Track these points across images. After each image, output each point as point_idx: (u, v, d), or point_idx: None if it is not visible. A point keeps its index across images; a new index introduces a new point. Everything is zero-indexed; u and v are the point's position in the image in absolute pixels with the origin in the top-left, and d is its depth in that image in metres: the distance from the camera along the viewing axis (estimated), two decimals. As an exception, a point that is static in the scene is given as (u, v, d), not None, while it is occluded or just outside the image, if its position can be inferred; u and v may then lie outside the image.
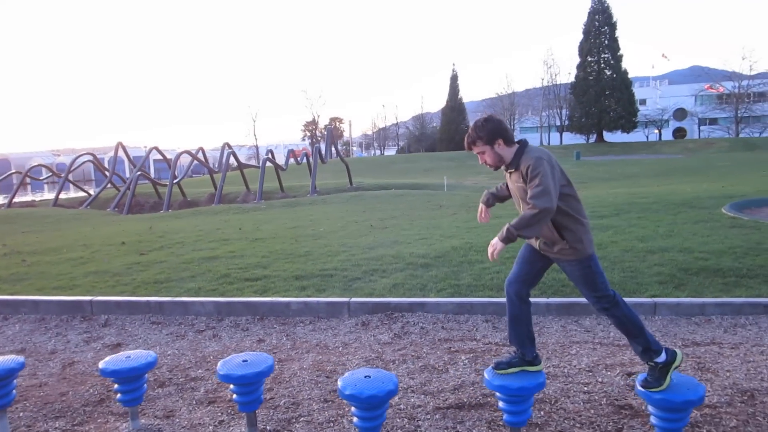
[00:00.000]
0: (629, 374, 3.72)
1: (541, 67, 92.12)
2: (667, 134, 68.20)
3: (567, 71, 64.74)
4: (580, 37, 56.72)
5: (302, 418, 3.26)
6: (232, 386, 2.99)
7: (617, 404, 3.32)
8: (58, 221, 17.41)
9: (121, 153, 24.65)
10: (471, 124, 3.14)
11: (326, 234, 9.67)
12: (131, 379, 3.08)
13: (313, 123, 76.15)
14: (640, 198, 12.61)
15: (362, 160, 50.25)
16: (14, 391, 3.18)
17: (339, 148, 30.99)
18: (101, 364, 3.11)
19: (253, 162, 47.07)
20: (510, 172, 3.07)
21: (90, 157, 25.33)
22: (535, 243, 3.15)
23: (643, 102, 64.87)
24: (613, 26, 55.57)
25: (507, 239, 2.87)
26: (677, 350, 2.99)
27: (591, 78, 55.50)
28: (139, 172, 20.88)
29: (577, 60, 57.00)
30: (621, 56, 55.43)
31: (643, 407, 3.26)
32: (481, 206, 3.42)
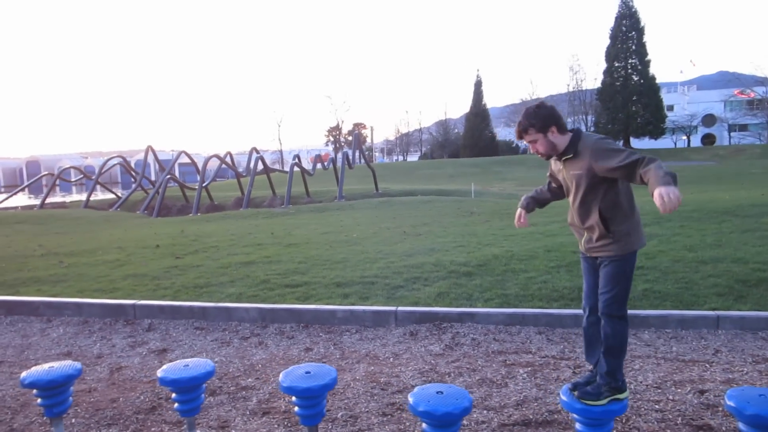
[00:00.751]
0: (702, 392, 3.53)
1: (566, 73, 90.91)
2: (696, 141, 66.91)
3: (593, 77, 64.03)
4: (607, 42, 55.92)
5: (363, 433, 3.15)
6: (294, 398, 2.89)
7: (694, 424, 3.14)
8: (89, 223, 17.64)
9: (141, 157, 24.94)
10: (521, 115, 2.98)
11: (360, 240, 9.58)
12: (190, 389, 3.00)
13: (337, 128, 76.43)
14: (679, 206, 12.27)
15: (386, 166, 50.20)
16: (71, 398, 3.12)
17: (365, 154, 30.95)
18: (160, 373, 3.03)
19: (277, 166, 47.31)
20: (565, 160, 2.94)
21: (120, 160, 25.68)
22: (582, 243, 3.05)
23: (670, 108, 63.71)
24: (640, 31, 54.68)
25: (670, 182, 2.37)
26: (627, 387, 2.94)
27: (618, 83, 54.63)
28: (168, 176, 21.07)
29: (603, 65, 56.17)
30: (649, 61, 54.49)
31: (723, 428, 3.08)
32: (520, 211, 3.30)
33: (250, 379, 4.00)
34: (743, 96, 64.10)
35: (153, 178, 27.09)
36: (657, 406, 3.37)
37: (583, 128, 64.78)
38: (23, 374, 3.02)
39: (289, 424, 3.29)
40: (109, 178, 49.38)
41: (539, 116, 2.89)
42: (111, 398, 3.78)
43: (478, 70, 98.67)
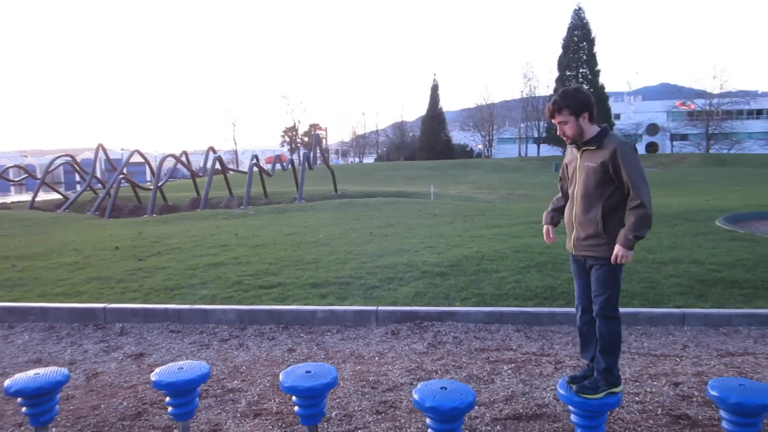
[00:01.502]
0: (676, 384, 3.72)
1: (520, 80, 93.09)
2: (641, 149, 69.74)
3: (545, 84, 65.77)
4: (560, 51, 57.70)
5: (359, 431, 3.16)
6: (294, 398, 2.88)
7: (673, 414, 3.31)
8: (37, 224, 16.86)
9: (90, 156, 24.01)
10: (557, 95, 3.01)
11: (328, 241, 9.55)
12: (186, 392, 2.94)
13: (293, 129, 75.71)
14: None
15: (343, 168, 50.06)
16: (57, 406, 3.00)
17: (325, 155, 30.81)
18: (154, 377, 2.96)
19: (231, 167, 46.44)
20: (584, 150, 3.00)
21: (68, 159, 24.65)
22: (571, 239, 3.12)
23: (617, 117, 66.28)
24: (591, 42, 56.66)
25: (631, 246, 2.84)
26: (621, 380, 3.07)
27: (568, 91, 56.46)
28: (121, 176, 20.38)
29: (556, 73, 57.92)
30: (598, 71, 56.54)
31: (699, 417, 3.26)
32: (547, 227, 3.37)
33: (236, 382, 3.95)
34: (684, 107, 67.30)
35: (99, 177, 26.08)
36: (637, 398, 3.53)
37: (536, 134, 66.44)
38: (7, 382, 2.89)
39: (283, 425, 3.27)
40: (52, 178, 47.30)
41: (576, 99, 2.93)
42: (91, 405, 3.65)
43: (434, 74, 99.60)
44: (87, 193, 25.12)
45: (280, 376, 2.93)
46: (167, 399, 2.99)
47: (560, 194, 3.34)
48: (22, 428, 3.36)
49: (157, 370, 3.05)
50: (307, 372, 2.93)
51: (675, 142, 67.89)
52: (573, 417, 2.85)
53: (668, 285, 5.78)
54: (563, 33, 58.74)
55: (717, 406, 2.82)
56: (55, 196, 28.21)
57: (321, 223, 12.87)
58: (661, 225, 10.01)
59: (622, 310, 4.96)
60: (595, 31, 57.81)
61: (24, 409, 2.88)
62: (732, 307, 5.13)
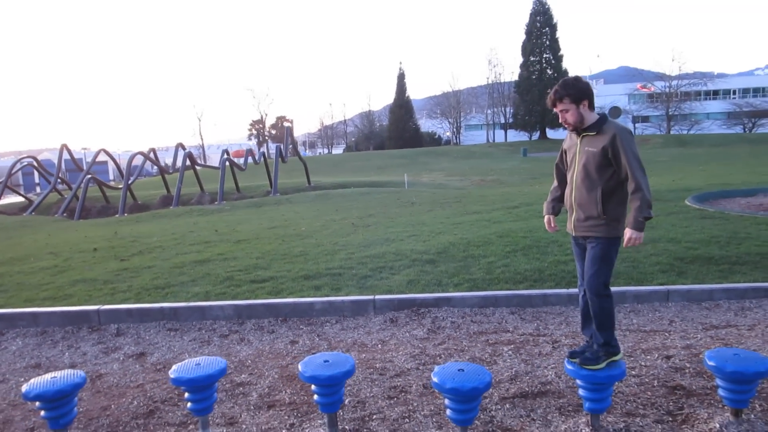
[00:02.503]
0: (668, 357, 3.91)
1: (486, 66, 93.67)
2: (604, 131, 71.13)
3: (510, 70, 66.53)
4: (523, 37, 58.39)
5: (375, 416, 3.26)
6: (314, 387, 2.95)
7: (669, 385, 3.49)
8: (4, 229, 16.36)
9: (49, 156, 23.37)
10: (558, 84, 3.15)
11: (311, 234, 9.58)
12: (205, 387, 2.99)
13: (261, 122, 74.83)
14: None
15: (313, 159, 49.75)
16: (76, 408, 3.01)
17: (297, 147, 30.60)
18: (172, 374, 2.99)
19: (199, 162, 45.69)
20: (584, 136, 3.14)
21: (31, 160, 23.91)
22: (571, 221, 3.25)
23: (581, 100, 67.42)
24: (553, 27, 57.51)
25: (641, 228, 2.99)
26: (621, 348, 3.28)
27: (534, 77, 57.25)
28: (88, 176, 19.91)
29: (520, 59, 58.64)
30: (561, 56, 57.47)
31: (693, 386, 3.45)
32: (548, 217, 3.50)
33: (243, 375, 3.99)
34: (645, 90, 68.93)
35: (63, 178, 25.37)
36: (633, 372, 3.70)
37: (502, 120, 67.03)
38: (25, 387, 2.88)
39: (299, 414, 3.34)
40: (11, 181, 45.72)
41: (577, 88, 3.08)
42: (101, 406, 3.65)
43: (400, 63, 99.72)
44: (51, 195, 24.45)
45: (299, 367, 3.00)
46: (187, 395, 3.02)
47: (556, 183, 3.48)
48: (34, 433, 3.35)
49: (174, 367, 3.08)
50: (325, 361, 3.00)
51: (637, 125, 69.56)
52: (581, 391, 3.00)
53: (650, 264, 6.02)
54: (526, 19, 59.51)
55: (714, 375, 2.99)
56: (16, 199, 27.36)
57: (300, 216, 12.86)
58: (634, 206, 10.34)
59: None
60: (557, 16, 58.65)
61: (43, 413, 2.88)
62: (711, 283, 5.39)
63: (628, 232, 3.02)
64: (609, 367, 3.00)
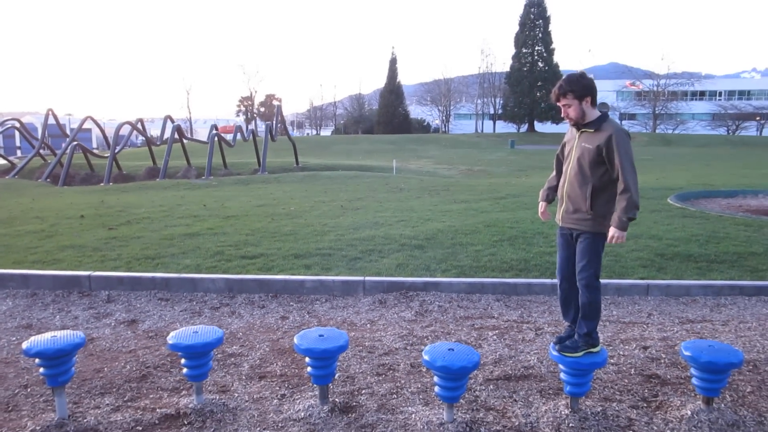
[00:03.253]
0: (645, 348, 4.09)
1: (477, 56, 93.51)
2: (592, 127, 71.74)
3: (502, 61, 66.54)
4: (516, 28, 58.40)
5: (364, 391, 3.38)
6: (308, 359, 3.06)
7: (645, 374, 3.66)
8: (-15, 191, 16.16)
9: (32, 120, 22.98)
10: (562, 80, 3.23)
11: (300, 214, 9.64)
12: (201, 354, 3.07)
13: (250, 99, 74.08)
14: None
15: (302, 140, 49.48)
16: (73, 368, 3.08)
17: (287, 127, 30.40)
18: (171, 339, 3.07)
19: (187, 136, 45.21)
20: (583, 131, 3.24)
21: (15, 123, 23.50)
22: (560, 212, 3.36)
23: (570, 95, 67.75)
24: (547, 20, 57.60)
25: (625, 227, 3.09)
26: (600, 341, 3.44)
27: (525, 69, 57.40)
28: (74, 142, 19.65)
29: (512, 50, 58.71)
30: (553, 50, 57.64)
31: (668, 376, 3.63)
32: (542, 204, 3.59)
33: (235, 347, 4.09)
34: (633, 87, 69.53)
35: (47, 143, 24.92)
36: (612, 361, 3.87)
37: (492, 110, 67.10)
38: (26, 344, 2.94)
39: (290, 386, 3.45)
40: (-7, 143, 44.82)
41: (581, 84, 3.17)
42: (94, 369, 3.73)
43: (393, 48, 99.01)
44: (34, 160, 24.08)
45: (295, 339, 3.10)
46: (183, 361, 3.11)
47: (554, 173, 3.58)
48: (28, 389, 3.42)
49: (172, 333, 3.16)
50: (320, 336, 3.10)
51: (624, 122, 70.22)
52: (563, 375, 3.14)
53: (631, 258, 6.20)
54: (520, 10, 59.47)
55: (689, 365, 3.16)
56: (-1, 161, 26.90)
57: (288, 196, 12.89)
58: (619, 202, 10.56)
59: (592, 281, 5.35)
60: (551, 9, 58.68)
61: (42, 370, 2.95)
62: (689, 279, 5.58)
63: (611, 231, 3.12)
64: (590, 356, 3.14)
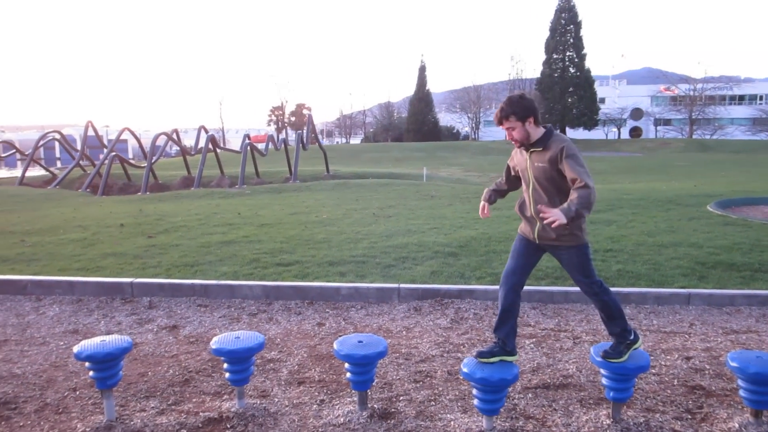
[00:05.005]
0: (688, 358, 4.00)
1: (507, 62, 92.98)
2: (625, 133, 70.55)
3: (533, 67, 66.00)
4: (547, 34, 57.88)
5: (402, 397, 3.39)
6: (347, 365, 3.09)
7: (688, 385, 3.58)
8: (30, 201, 16.76)
9: (72, 132, 23.73)
10: (504, 102, 3.17)
11: (333, 221, 9.73)
12: (243, 360, 3.14)
13: (281, 108, 75.11)
14: (624, 194, 13.17)
15: (332, 148, 49.95)
16: (121, 372, 3.18)
17: (318, 135, 30.73)
18: (214, 344, 3.15)
19: (220, 145, 46.09)
20: (532, 152, 3.18)
21: (56, 135, 24.34)
22: (533, 232, 3.28)
23: (602, 100, 66.82)
24: (578, 25, 56.94)
25: (569, 217, 2.89)
26: (639, 334, 3.30)
27: (556, 75, 56.80)
28: (113, 153, 20.24)
29: (543, 56, 58.20)
30: (585, 55, 56.93)
31: (713, 387, 3.54)
32: (484, 203, 3.58)
33: (273, 353, 4.15)
34: (668, 92, 68.09)
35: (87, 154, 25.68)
36: (653, 371, 3.80)
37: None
38: (76, 348, 3.05)
39: (328, 392, 3.48)
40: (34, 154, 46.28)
41: (522, 106, 3.12)
42: (139, 372, 3.83)
43: (422, 55, 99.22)
44: (74, 170, 24.86)
45: (335, 345, 3.14)
46: (225, 365, 3.18)
47: (504, 179, 3.59)
48: (77, 392, 3.53)
49: (215, 338, 3.23)
50: (359, 342, 3.13)
51: (658, 127, 68.79)
52: (604, 380, 3.09)
53: (670, 267, 6.07)
54: (551, 16, 58.94)
55: (736, 376, 3.08)
56: (39, 172, 27.85)
57: (321, 204, 13.01)
58: (655, 209, 10.36)
59: (631, 290, 5.28)
60: (582, 14, 57.95)
61: (91, 373, 3.05)
62: (732, 289, 5.44)
63: (554, 211, 2.91)
64: (634, 360, 3.09)
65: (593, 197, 2.97)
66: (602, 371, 3.11)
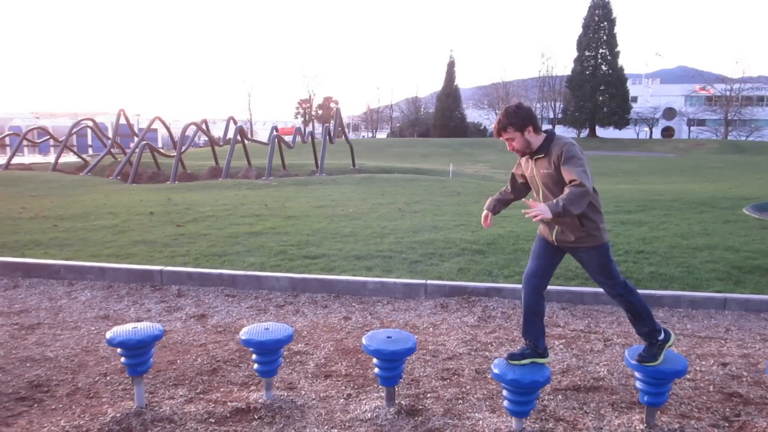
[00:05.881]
0: (724, 364, 3.88)
1: (537, 59, 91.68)
2: (656, 133, 69.08)
3: (563, 64, 64.96)
4: (579, 30, 56.82)
5: (429, 394, 3.36)
6: (375, 360, 3.07)
7: (725, 392, 3.47)
8: (63, 186, 17.13)
9: (104, 120, 24.14)
10: (501, 114, 3.12)
11: (359, 215, 9.72)
12: (272, 351, 3.14)
13: (308, 101, 75.41)
14: (656, 195, 12.87)
15: (357, 142, 50.00)
16: (152, 359, 3.21)
17: (345, 129, 30.81)
18: (243, 335, 3.15)
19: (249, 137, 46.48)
20: (536, 159, 3.12)
21: (89, 123, 24.83)
22: (551, 234, 3.21)
23: (634, 99, 65.44)
24: (612, 22, 55.73)
25: (555, 212, 2.79)
26: (671, 332, 3.21)
27: (587, 72, 55.73)
28: (144, 142, 20.57)
29: (574, 54, 57.16)
30: (618, 52, 55.70)
31: (751, 395, 3.43)
32: (487, 212, 3.49)
33: (300, 345, 4.15)
34: (703, 92, 66.38)
35: (109, 143, 26.16)
36: (688, 377, 3.69)
37: (551, 114, 65.64)
38: (109, 334, 3.09)
39: (355, 386, 3.47)
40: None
41: (519, 116, 3.06)
42: (168, 360, 3.87)
43: (451, 50, 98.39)
44: (104, 158, 25.34)
45: (363, 340, 3.12)
46: (254, 356, 3.18)
47: (509, 188, 3.53)
48: (107, 378, 3.58)
49: (244, 329, 3.24)
50: (388, 337, 3.11)
51: (692, 128, 67.16)
52: (639, 384, 3.01)
53: (705, 270, 5.91)
54: (584, 12, 57.85)
55: (777, 385, 2.97)
56: (71, 158, 28.46)
57: (346, 197, 13.02)
58: (689, 211, 10.10)
59: (664, 293, 5.15)
60: (616, 11, 56.65)
61: (123, 359, 3.09)
62: (771, 294, 5.26)
63: (541, 206, 2.82)
64: (671, 364, 3.00)
65: (585, 197, 2.87)
66: (636, 374, 3.03)
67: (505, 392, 2.86)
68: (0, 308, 4.90)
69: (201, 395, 3.37)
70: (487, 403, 3.26)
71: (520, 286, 5.26)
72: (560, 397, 3.36)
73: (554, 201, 2.84)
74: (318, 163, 22.13)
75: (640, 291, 5.20)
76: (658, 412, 3.16)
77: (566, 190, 2.88)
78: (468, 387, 3.47)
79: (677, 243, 7.08)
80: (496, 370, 2.84)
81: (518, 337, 4.34)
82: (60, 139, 23.86)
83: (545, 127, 3.11)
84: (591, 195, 2.94)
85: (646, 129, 66.16)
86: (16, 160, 24.69)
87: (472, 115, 72.21)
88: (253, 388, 3.45)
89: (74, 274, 5.70)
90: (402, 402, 3.22)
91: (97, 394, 3.35)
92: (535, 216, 2.80)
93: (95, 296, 5.28)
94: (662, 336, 3.13)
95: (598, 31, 55.85)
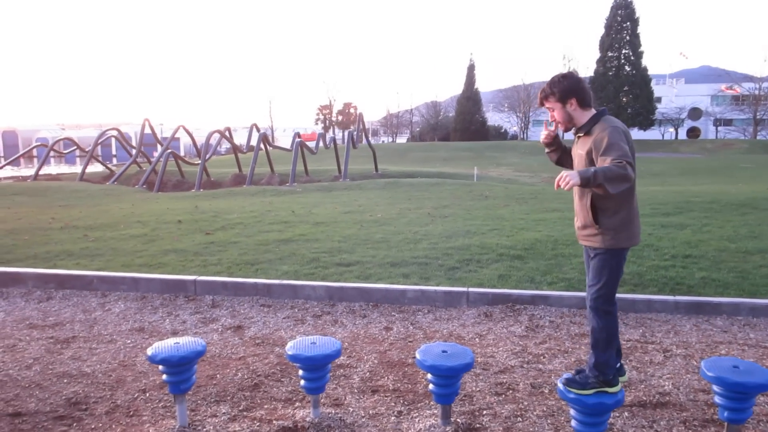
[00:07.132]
0: (798, 379, 3.60)
1: (559, 60, 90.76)
2: (681, 134, 67.78)
3: (585, 66, 64.14)
4: (602, 31, 56.05)
5: (485, 411, 3.16)
6: (430, 376, 2.88)
7: (805, 410, 3.21)
8: (90, 196, 17.27)
9: (128, 130, 24.39)
10: (548, 82, 2.98)
11: (388, 221, 9.54)
12: (321, 367, 2.97)
13: (329, 107, 75.66)
14: (692, 197, 12.46)
15: (379, 147, 49.92)
16: (194, 376, 3.06)
17: (367, 134, 30.74)
18: (289, 350, 2.99)
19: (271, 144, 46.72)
20: (579, 137, 2.93)
21: (115, 133, 25.13)
22: (577, 231, 3.07)
23: (658, 100, 64.25)
24: (635, 22, 54.87)
25: (585, 180, 2.55)
26: (620, 383, 2.92)
27: (610, 73, 54.92)
28: (168, 150, 20.70)
29: (596, 55, 56.38)
30: (641, 53, 54.80)
31: (835, 414, 3.16)
32: (548, 133, 3.19)
33: (342, 357, 3.98)
34: (730, 91, 64.97)
35: (134, 152, 26.46)
36: (761, 391, 3.43)
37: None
38: (150, 351, 2.95)
39: (405, 402, 3.28)
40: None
41: (561, 86, 2.89)
42: (207, 375, 3.73)
43: (471, 54, 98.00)
44: (131, 167, 25.60)
45: (417, 355, 2.93)
46: (301, 372, 3.02)
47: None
48: (146, 394, 3.45)
49: (291, 344, 3.08)
50: (444, 351, 2.92)
51: (719, 128, 65.75)
52: (717, 398, 2.77)
53: (760, 275, 5.61)
54: (606, 12, 57.10)
55: None
56: (97, 168, 28.83)
57: (373, 203, 12.86)
58: (730, 213, 9.73)
59: (722, 300, 4.87)
60: (639, 10, 55.65)
61: (165, 377, 2.95)
62: (835, 301, 4.95)
63: (572, 172, 2.60)
64: (752, 376, 2.74)
65: (624, 180, 2.60)
66: (715, 388, 2.79)
67: (572, 412, 2.65)
68: (35, 321, 4.83)
69: (244, 413, 3.21)
70: (549, 420, 3.05)
71: (567, 293, 5.05)
72: (626, 414, 3.13)
73: (590, 169, 2.60)
74: (341, 169, 22.05)
75: (692, 297, 4.97)
76: (740, 429, 2.91)
77: (607, 162, 2.64)
78: (525, 403, 3.26)
79: (725, 247, 6.77)
80: (560, 386, 2.63)
81: (570, 348, 4.11)
82: (86, 149, 24.14)
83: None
84: (631, 181, 2.65)
85: (672, 130, 64.96)
86: (43, 171, 25.15)
87: (493, 118, 71.66)
88: (298, 404, 3.29)
89: (107, 285, 5.62)
90: (458, 420, 3.03)
91: (137, 412, 3.22)
92: (566, 183, 2.55)
93: (129, 307, 5.17)
94: (609, 378, 2.82)
95: (621, 31, 55.05)
